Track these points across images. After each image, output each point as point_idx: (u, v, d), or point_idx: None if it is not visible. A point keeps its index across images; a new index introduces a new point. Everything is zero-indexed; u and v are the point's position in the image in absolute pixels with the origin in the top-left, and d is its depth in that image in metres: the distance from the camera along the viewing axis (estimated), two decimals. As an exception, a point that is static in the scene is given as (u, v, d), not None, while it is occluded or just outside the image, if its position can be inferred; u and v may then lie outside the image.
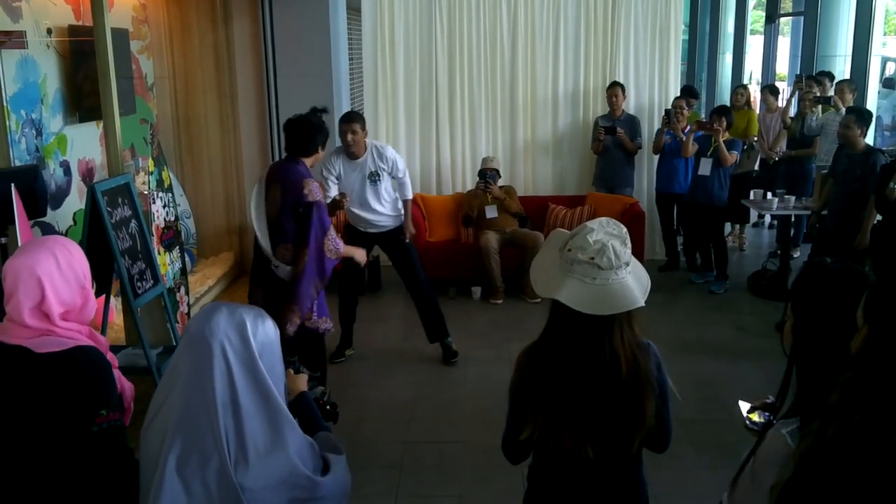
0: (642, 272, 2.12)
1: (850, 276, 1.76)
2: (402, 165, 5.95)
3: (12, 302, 1.99)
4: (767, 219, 9.96)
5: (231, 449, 1.82)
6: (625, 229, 2.09)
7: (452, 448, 4.58)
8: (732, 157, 7.38)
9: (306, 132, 4.54)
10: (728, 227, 8.91)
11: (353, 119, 5.67)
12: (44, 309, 1.99)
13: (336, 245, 4.43)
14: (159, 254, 5.34)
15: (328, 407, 2.41)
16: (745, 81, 14.26)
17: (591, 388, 2.04)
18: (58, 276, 2.01)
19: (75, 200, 5.96)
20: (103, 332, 5.12)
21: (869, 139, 6.71)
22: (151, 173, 5.40)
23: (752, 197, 7.80)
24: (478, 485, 4.15)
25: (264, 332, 1.91)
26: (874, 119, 7.15)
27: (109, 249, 4.73)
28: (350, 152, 5.65)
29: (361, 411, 4.97)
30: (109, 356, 2.15)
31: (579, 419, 2.06)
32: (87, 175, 6.23)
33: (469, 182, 8.32)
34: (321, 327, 4.54)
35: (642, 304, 2.02)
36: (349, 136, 5.58)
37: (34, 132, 5.50)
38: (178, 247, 5.72)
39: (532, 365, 2.13)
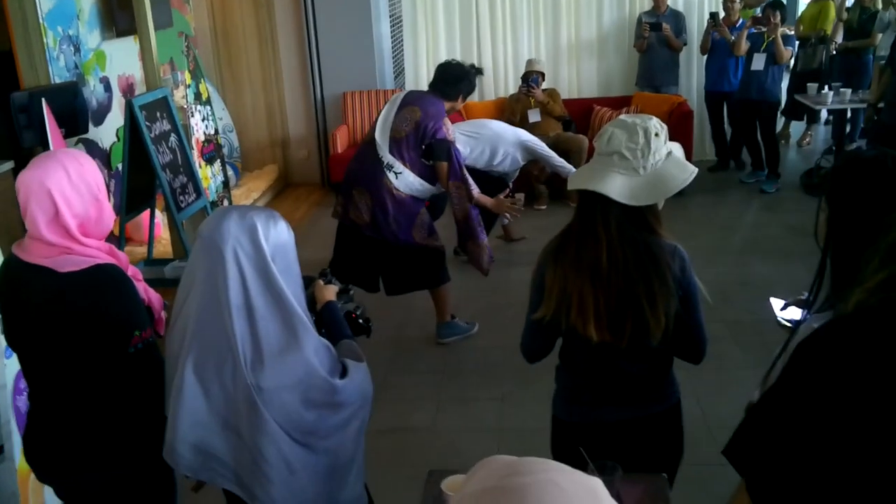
0: (669, 178, 2.05)
1: (885, 163, 1.67)
2: None
3: (28, 216, 2.00)
4: (824, 114, 9.61)
5: (247, 351, 1.84)
6: (647, 126, 2.04)
7: (494, 352, 4.62)
8: (788, 52, 7.09)
9: (456, 75, 4.61)
10: (779, 125, 8.64)
11: None
12: (61, 222, 1.99)
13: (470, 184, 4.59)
14: (200, 167, 5.38)
15: (360, 321, 2.42)
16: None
17: (589, 270, 2.06)
18: (69, 187, 2.00)
19: (117, 117, 5.99)
20: (150, 247, 5.22)
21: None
22: (189, 86, 5.40)
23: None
24: (518, 387, 4.19)
25: (277, 234, 1.90)
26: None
27: (151, 164, 4.78)
28: None
29: (405, 317, 5.02)
30: (132, 271, 2.16)
31: (583, 297, 2.07)
32: (128, 91, 6.25)
33: (511, 86, 8.16)
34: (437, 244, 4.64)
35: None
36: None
37: (72, 49, 5.51)
38: (219, 160, 5.75)
39: (551, 251, 2.17)
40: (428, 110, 4.43)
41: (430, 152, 4.43)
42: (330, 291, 2.29)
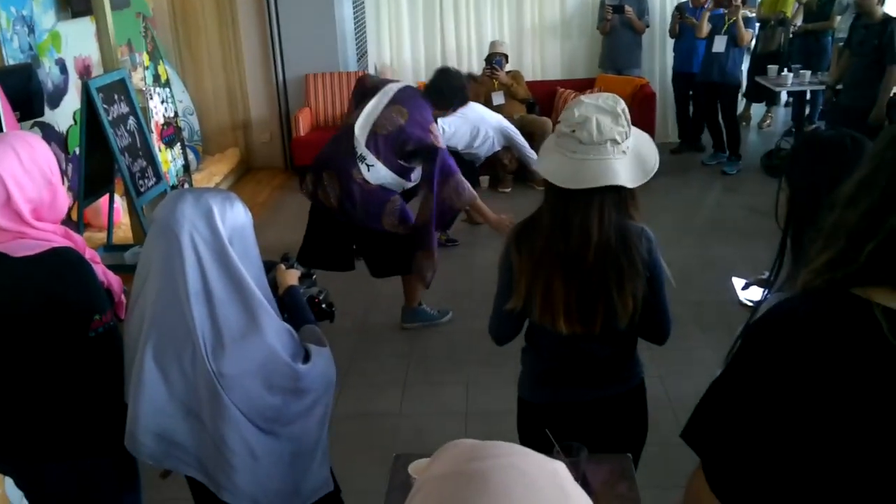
0: (647, 155, 2.04)
1: (843, 143, 1.68)
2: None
3: None
4: (784, 96, 9.71)
5: (207, 337, 1.82)
6: (622, 105, 2.00)
7: (460, 337, 4.62)
8: (749, 34, 7.15)
9: (453, 88, 4.50)
10: (740, 107, 8.73)
11: None
12: (13, 207, 1.94)
13: (462, 188, 4.36)
14: (160, 151, 5.30)
15: (324, 306, 2.39)
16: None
17: (563, 264, 2.03)
18: (21, 171, 1.95)
19: (74, 99, 5.86)
20: (109, 232, 5.14)
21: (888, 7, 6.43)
22: (147, 68, 5.30)
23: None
24: (485, 371, 4.19)
25: (233, 216, 1.87)
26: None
27: (109, 148, 4.69)
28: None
29: (370, 302, 5.00)
30: (90, 253, 2.11)
31: (552, 292, 2.05)
32: (85, 73, 6.11)
33: (475, 68, 8.11)
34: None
35: (621, 182, 1.95)
36: None
37: (26, 29, 5.37)
38: (179, 143, 5.66)
39: (516, 237, 2.14)
40: (415, 117, 4.31)
41: (414, 155, 4.35)
42: (292, 276, 2.26)
